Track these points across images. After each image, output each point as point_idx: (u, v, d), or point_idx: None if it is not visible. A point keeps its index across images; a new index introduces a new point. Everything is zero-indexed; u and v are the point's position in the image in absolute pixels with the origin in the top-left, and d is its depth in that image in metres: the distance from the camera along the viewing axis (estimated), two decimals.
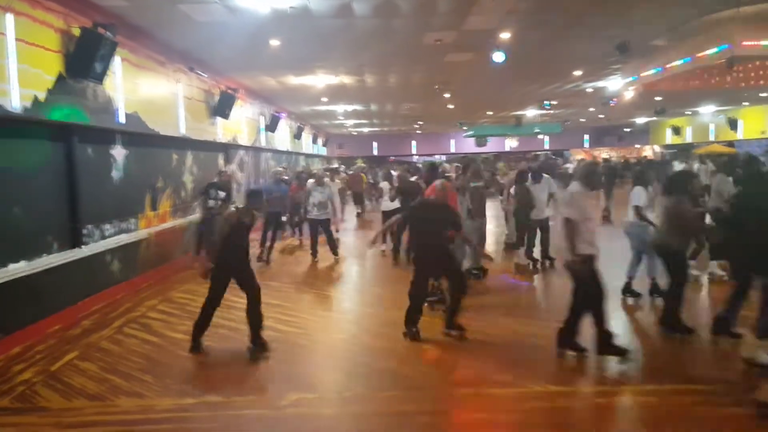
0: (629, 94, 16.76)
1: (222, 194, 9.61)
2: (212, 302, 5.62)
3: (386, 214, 10.55)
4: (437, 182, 6.62)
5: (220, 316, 6.98)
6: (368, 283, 9.33)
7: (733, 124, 24.90)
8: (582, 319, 5.24)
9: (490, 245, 10.84)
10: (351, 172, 22.87)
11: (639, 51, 10.05)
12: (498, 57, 9.92)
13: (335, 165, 32.25)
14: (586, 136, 36.30)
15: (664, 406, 4.28)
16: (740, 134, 24.95)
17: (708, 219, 6.90)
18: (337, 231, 11.83)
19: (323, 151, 31.08)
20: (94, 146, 7.69)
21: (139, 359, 5.53)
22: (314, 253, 10.60)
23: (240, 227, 5.59)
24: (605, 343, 5.13)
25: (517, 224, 9.39)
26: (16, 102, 5.75)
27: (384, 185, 12.02)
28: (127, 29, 7.98)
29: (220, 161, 13.18)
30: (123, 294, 8.02)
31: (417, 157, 40.36)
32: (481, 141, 33.05)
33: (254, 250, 11.58)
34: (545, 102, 19.22)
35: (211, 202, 9.49)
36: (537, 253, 9.31)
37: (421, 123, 28.52)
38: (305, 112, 21.24)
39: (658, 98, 19.26)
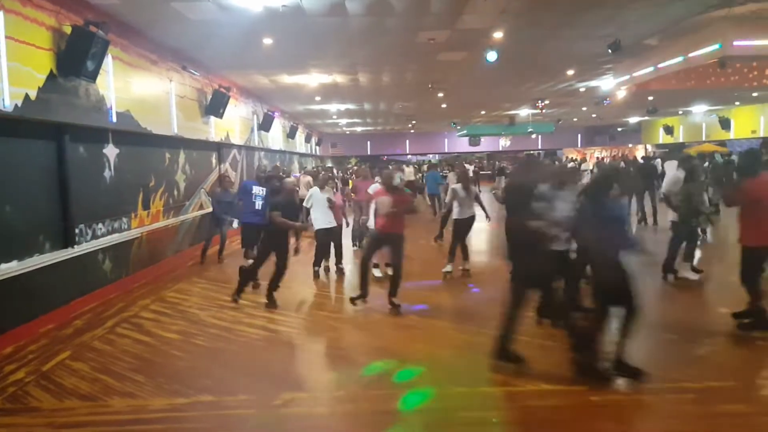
0: (622, 94, 16.82)
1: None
2: None
3: (460, 223, 8.57)
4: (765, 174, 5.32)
5: (214, 315, 7.00)
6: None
7: (724, 124, 25.04)
8: None
9: None
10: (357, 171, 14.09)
11: (631, 50, 10.09)
12: (491, 56, 9.96)
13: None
14: (579, 136, 36.49)
15: (661, 405, 4.30)
16: (732, 134, 25.12)
17: None
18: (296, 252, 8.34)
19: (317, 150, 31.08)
20: (86, 145, 7.64)
21: (132, 359, 5.50)
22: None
23: None
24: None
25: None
26: (6, 100, 5.71)
27: (457, 187, 8.69)
28: (120, 27, 7.94)
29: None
30: (115, 294, 7.98)
31: (410, 156, 40.43)
32: (474, 140, 33.13)
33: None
34: (539, 99, 19.23)
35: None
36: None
37: (414, 122, 28.53)
38: (299, 111, 21.20)
39: (650, 98, 19.35)
